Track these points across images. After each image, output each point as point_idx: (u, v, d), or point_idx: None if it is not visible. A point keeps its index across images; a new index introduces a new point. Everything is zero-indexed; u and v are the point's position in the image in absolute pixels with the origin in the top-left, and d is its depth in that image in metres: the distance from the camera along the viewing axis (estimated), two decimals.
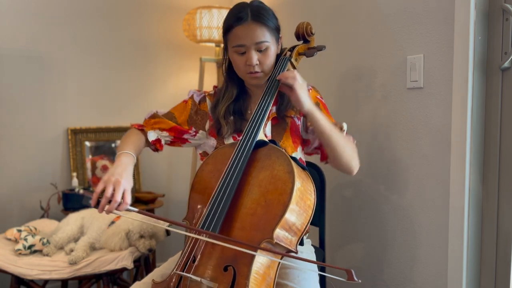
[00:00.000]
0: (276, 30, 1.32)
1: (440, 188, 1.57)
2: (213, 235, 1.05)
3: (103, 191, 1.11)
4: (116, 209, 1.09)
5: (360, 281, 0.91)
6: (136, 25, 2.54)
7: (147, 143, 1.40)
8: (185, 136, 1.42)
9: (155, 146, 1.41)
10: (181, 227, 1.11)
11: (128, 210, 1.10)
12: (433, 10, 1.55)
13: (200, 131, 1.42)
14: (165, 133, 1.40)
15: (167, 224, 1.12)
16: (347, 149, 1.28)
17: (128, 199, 1.10)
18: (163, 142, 1.42)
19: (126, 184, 1.12)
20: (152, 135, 1.39)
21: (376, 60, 1.78)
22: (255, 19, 1.25)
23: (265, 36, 1.26)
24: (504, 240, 1.44)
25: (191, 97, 1.44)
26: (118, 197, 1.08)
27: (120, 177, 1.12)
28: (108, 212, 1.09)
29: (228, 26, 1.28)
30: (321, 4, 2.05)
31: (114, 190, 1.10)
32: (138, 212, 1.09)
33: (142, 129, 1.41)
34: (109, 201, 1.09)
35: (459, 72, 1.46)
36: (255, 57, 1.27)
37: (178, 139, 1.42)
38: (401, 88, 1.69)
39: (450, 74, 1.50)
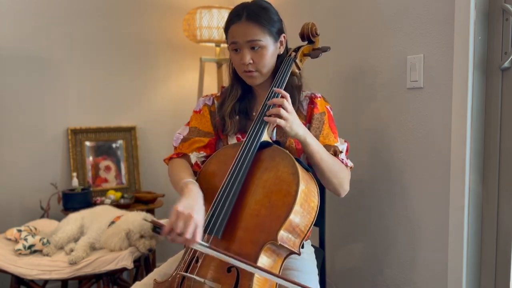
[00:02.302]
0: (277, 32, 1.32)
1: (440, 188, 1.57)
2: (213, 249, 1.04)
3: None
4: (185, 244, 1.05)
5: None
6: (136, 25, 2.54)
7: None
8: (218, 145, 1.41)
9: (195, 169, 1.37)
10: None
11: (200, 245, 1.05)
12: (433, 10, 1.55)
13: None
14: (201, 153, 1.39)
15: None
16: (336, 176, 1.28)
17: (198, 237, 1.04)
18: (199, 163, 1.39)
19: (198, 219, 1.05)
20: (193, 159, 1.38)
21: (376, 60, 1.78)
22: (249, 18, 1.27)
23: (258, 35, 1.27)
24: (504, 240, 1.45)
25: (204, 104, 1.44)
26: (188, 235, 1.03)
27: (193, 211, 1.05)
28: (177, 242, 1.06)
29: (226, 25, 1.33)
30: (321, 4, 2.05)
31: (185, 225, 1.04)
32: (209, 248, 1.03)
33: (183, 154, 1.38)
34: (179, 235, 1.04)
35: (459, 72, 1.46)
36: (248, 55, 1.28)
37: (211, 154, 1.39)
38: (401, 88, 1.69)
39: (450, 74, 1.50)
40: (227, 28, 1.32)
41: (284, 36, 1.36)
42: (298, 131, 1.20)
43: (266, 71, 1.32)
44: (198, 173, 1.27)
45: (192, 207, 1.07)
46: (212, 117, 1.42)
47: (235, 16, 1.29)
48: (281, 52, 1.37)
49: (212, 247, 1.03)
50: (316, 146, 1.24)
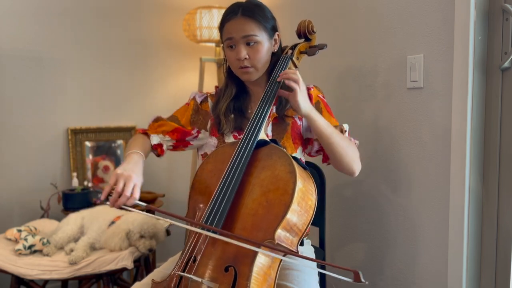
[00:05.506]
0: (271, 29, 1.34)
1: (440, 188, 1.57)
2: (218, 230, 1.05)
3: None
4: (125, 203, 1.13)
5: (367, 282, 0.90)
6: (136, 25, 2.54)
7: (151, 147, 1.42)
8: (188, 138, 1.43)
9: (157, 151, 1.42)
10: (184, 223, 1.12)
11: (137, 204, 1.14)
12: (433, 10, 1.55)
13: (202, 131, 1.43)
14: (167, 137, 1.42)
15: (172, 219, 1.13)
16: (348, 152, 1.28)
17: (137, 194, 1.14)
18: (165, 147, 1.43)
19: (136, 179, 1.16)
20: (155, 139, 1.42)
21: (376, 60, 1.78)
22: (244, 14, 1.29)
23: (254, 30, 1.29)
24: (504, 240, 1.44)
25: (193, 98, 1.47)
26: (128, 192, 1.12)
27: (132, 172, 1.16)
28: (118, 206, 1.12)
29: (221, 23, 1.35)
30: (320, 4, 2.05)
31: (124, 185, 1.13)
32: (146, 207, 1.12)
33: (146, 133, 1.43)
34: (119, 196, 1.12)
35: (459, 72, 1.46)
36: (243, 51, 1.29)
37: (180, 142, 1.44)
38: (401, 88, 1.69)
39: (450, 74, 1.50)
40: (222, 26, 1.34)
41: (278, 34, 1.38)
42: (306, 105, 1.23)
43: (261, 66, 1.33)
44: (196, 173, 1.27)
45: (131, 169, 1.18)
46: (194, 114, 1.44)
47: (230, 13, 1.31)
48: (275, 50, 1.38)
49: (150, 206, 1.12)
50: (323, 123, 1.25)
